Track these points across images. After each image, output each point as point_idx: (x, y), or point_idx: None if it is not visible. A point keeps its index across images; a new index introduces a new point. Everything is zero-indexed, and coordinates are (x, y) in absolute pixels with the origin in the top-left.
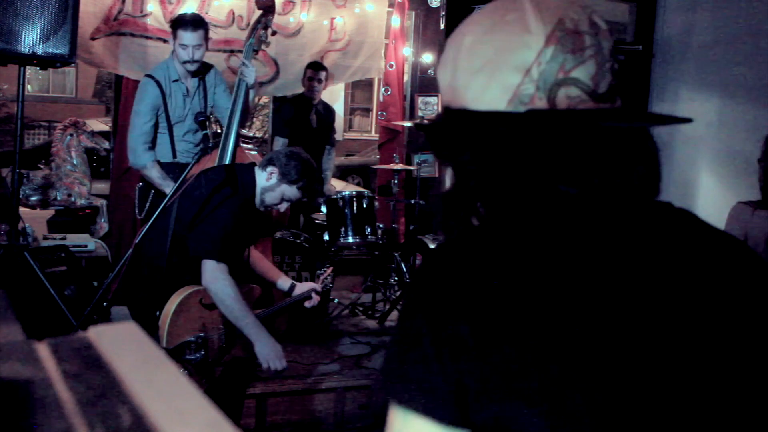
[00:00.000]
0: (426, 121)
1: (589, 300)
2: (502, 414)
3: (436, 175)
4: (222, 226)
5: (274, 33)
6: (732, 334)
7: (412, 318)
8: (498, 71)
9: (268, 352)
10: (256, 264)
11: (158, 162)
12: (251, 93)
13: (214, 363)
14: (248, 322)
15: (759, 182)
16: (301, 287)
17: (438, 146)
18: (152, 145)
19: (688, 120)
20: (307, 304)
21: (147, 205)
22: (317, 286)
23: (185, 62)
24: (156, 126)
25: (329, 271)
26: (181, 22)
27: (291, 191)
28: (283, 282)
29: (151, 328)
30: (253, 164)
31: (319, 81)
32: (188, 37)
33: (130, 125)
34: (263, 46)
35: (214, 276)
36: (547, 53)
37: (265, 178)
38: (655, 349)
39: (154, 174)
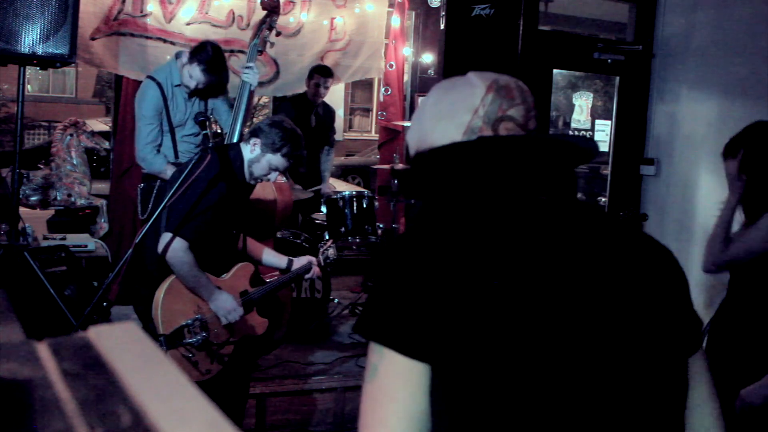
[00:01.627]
0: (400, 168)
1: (521, 276)
2: (465, 355)
3: None
4: (192, 203)
5: (278, 34)
6: (621, 290)
7: (394, 270)
8: (454, 114)
9: (223, 307)
10: (252, 251)
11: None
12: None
13: (222, 343)
14: (202, 285)
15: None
16: (299, 261)
17: (410, 186)
18: (159, 148)
19: (594, 149)
20: (306, 276)
21: (150, 205)
22: (314, 259)
23: (182, 85)
24: (160, 128)
25: (329, 243)
26: (202, 60)
27: (276, 159)
28: (280, 260)
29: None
30: (238, 144)
31: (326, 88)
32: (199, 76)
33: (136, 132)
34: (267, 47)
35: (171, 251)
36: (488, 98)
37: (249, 151)
38: (571, 313)
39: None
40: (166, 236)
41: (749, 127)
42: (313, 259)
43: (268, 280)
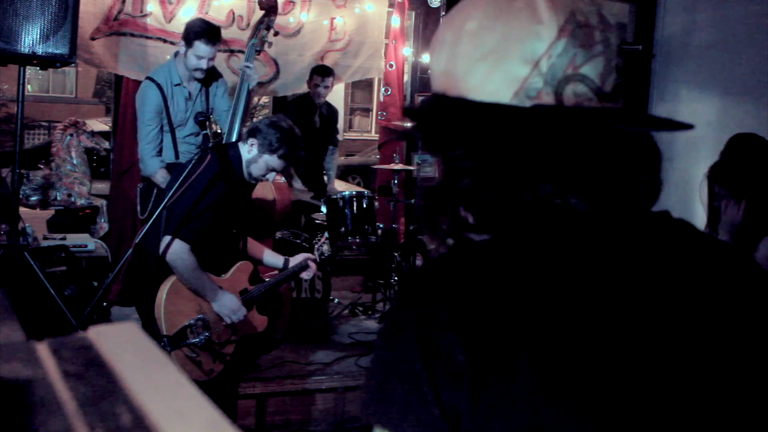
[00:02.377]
0: (416, 107)
1: (592, 325)
2: None
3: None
4: (191, 205)
5: (276, 33)
6: (729, 343)
7: (401, 337)
8: (504, 61)
9: (227, 307)
10: (251, 250)
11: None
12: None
13: (225, 342)
14: (204, 286)
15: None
16: (296, 259)
17: (428, 135)
18: (160, 150)
19: (690, 126)
20: (303, 275)
21: (150, 205)
22: (311, 256)
23: (195, 70)
24: (160, 128)
25: (323, 239)
26: (200, 33)
27: (273, 161)
28: (277, 259)
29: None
30: (236, 144)
31: (326, 87)
32: (205, 50)
33: (138, 133)
34: (265, 47)
35: (172, 252)
36: (559, 46)
37: (247, 151)
38: (655, 364)
39: (159, 179)
40: (166, 239)
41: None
42: (310, 256)
43: (267, 279)
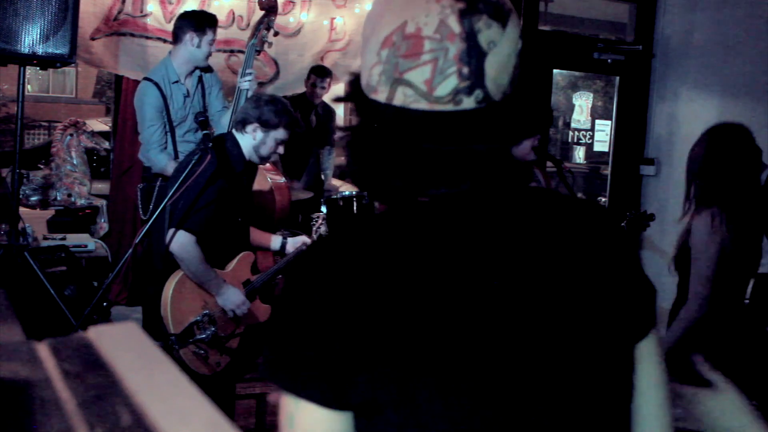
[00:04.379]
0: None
1: (455, 286)
2: (388, 392)
3: None
4: (194, 198)
5: (276, 34)
6: (571, 289)
7: (295, 302)
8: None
9: (232, 301)
10: (252, 236)
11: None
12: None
13: (230, 335)
14: (210, 279)
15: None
16: (294, 242)
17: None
18: (165, 147)
19: (542, 127)
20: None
21: (151, 205)
22: (308, 240)
23: (207, 57)
24: (163, 128)
25: (321, 220)
26: (213, 20)
27: (280, 133)
28: (275, 242)
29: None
30: (232, 134)
31: (323, 88)
32: (214, 35)
33: (141, 136)
34: (265, 47)
35: (179, 244)
36: (383, 54)
37: (251, 138)
38: (517, 314)
39: (170, 171)
40: (171, 231)
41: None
42: (306, 240)
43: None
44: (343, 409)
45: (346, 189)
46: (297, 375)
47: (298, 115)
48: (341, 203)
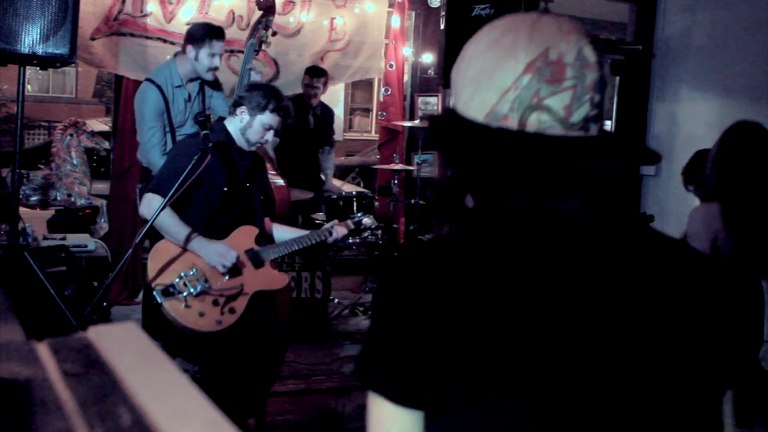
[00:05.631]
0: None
1: (540, 299)
2: (460, 397)
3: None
4: (167, 166)
5: (274, 33)
6: (666, 326)
7: (382, 307)
8: (482, 87)
9: (214, 253)
10: (273, 232)
11: None
12: None
13: (234, 295)
14: (190, 238)
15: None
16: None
17: (434, 135)
18: (165, 149)
19: (655, 159)
20: (330, 239)
21: None
22: (337, 221)
23: (210, 70)
24: (163, 130)
25: (366, 215)
26: (216, 32)
27: (266, 117)
28: (300, 232)
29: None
30: (222, 118)
31: (316, 88)
32: (219, 46)
33: (138, 135)
34: (264, 47)
35: (149, 205)
36: (524, 80)
37: (239, 120)
38: (598, 338)
39: None
40: (143, 196)
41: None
42: (336, 221)
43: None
44: (416, 408)
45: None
46: (379, 375)
47: (290, 105)
48: (341, 203)
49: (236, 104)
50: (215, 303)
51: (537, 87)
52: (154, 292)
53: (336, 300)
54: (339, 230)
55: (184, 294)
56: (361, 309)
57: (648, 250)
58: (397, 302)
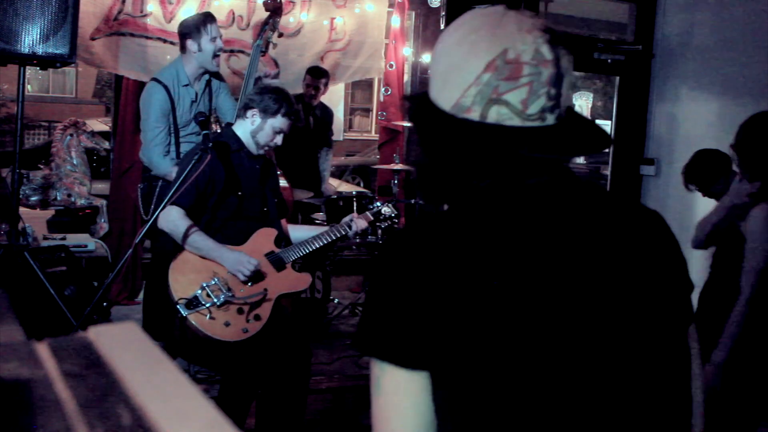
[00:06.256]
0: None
1: (523, 262)
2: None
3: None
4: (180, 179)
5: (281, 35)
6: (629, 271)
7: (383, 282)
8: (448, 81)
9: (233, 260)
10: (291, 233)
11: None
12: None
13: (258, 302)
14: (210, 248)
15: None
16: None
17: (411, 118)
18: (168, 149)
19: (606, 145)
20: (351, 231)
21: (152, 205)
22: (355, 214)
23: (216, 55)
24: (167, 130)
25: (385, 204)
26: (207, 16)
27: (278, 122)
28: (317, 230)
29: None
30: (229, 123)
31: (317, 88)
32: (215, 28)
33: (142, 134)
34: (270, 48)
35: (168, 217)
36: (484, 78)
37: (249, 123)
38: (569, 289)
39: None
40: (164, 211)
41: (750, 121)
42: (354, 214)
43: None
44: (422, 369)
45: (344, 189)
46: (382, 342)
47: (300, 108)
48: (341, 203)
49: (246, 107)
50: (240, 311)
51: (496, 84)
52: (178, 306)
53: (336, 300)
54: (359, 222)
55: (208, 305)
56: (360, 309)
57: (604, 210)
58: (398, 270)
